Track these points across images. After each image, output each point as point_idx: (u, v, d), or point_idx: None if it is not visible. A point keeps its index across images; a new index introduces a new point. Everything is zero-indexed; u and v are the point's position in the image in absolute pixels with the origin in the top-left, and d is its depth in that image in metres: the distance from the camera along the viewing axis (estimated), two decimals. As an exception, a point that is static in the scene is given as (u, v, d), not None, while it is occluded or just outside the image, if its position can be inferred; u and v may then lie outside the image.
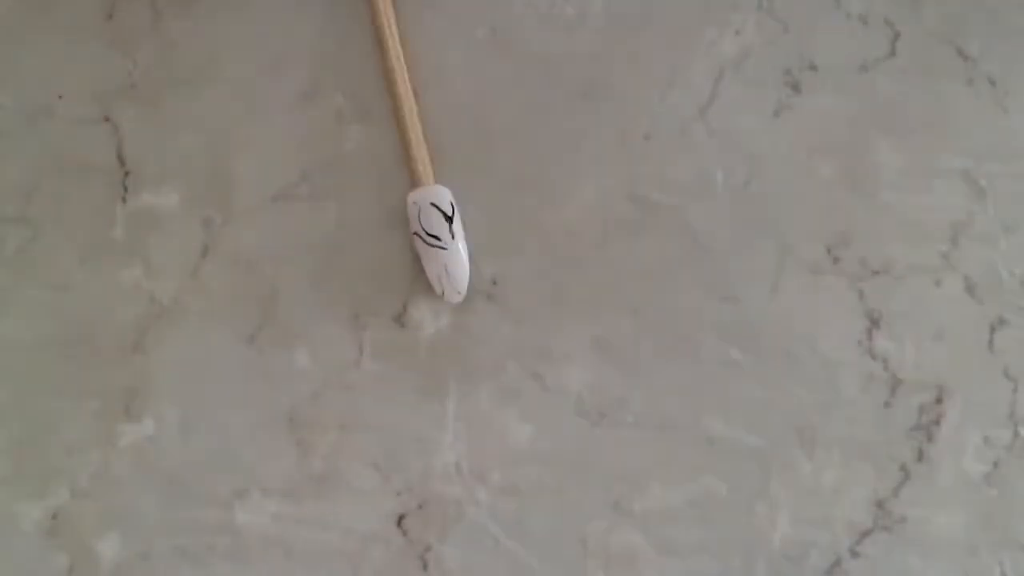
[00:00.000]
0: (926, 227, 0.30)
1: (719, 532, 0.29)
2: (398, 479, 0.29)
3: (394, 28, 0.26)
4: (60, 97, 0.30)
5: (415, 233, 0.29)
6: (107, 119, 0.30)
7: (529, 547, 0.29)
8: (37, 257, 0.30)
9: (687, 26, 0.31)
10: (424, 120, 0.30)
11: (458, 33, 0.31)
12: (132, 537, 0.29)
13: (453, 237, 0.29)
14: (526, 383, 0.30)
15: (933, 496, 0.29)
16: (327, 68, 0.31)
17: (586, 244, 0.30)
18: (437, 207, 0.29)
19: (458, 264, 0.29)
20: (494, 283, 0.30)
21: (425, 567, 0.29)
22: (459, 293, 0.29)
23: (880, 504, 0.29)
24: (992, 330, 0.30)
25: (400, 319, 0.30)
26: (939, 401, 0.30)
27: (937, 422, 0.30)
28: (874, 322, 0.30)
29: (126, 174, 0.30)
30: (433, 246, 0.29)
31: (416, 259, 0.30)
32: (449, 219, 0.29)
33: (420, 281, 0.30)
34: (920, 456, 0.29)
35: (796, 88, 0.31)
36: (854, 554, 0.29)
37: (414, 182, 0.30)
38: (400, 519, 0.29)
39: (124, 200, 0.30)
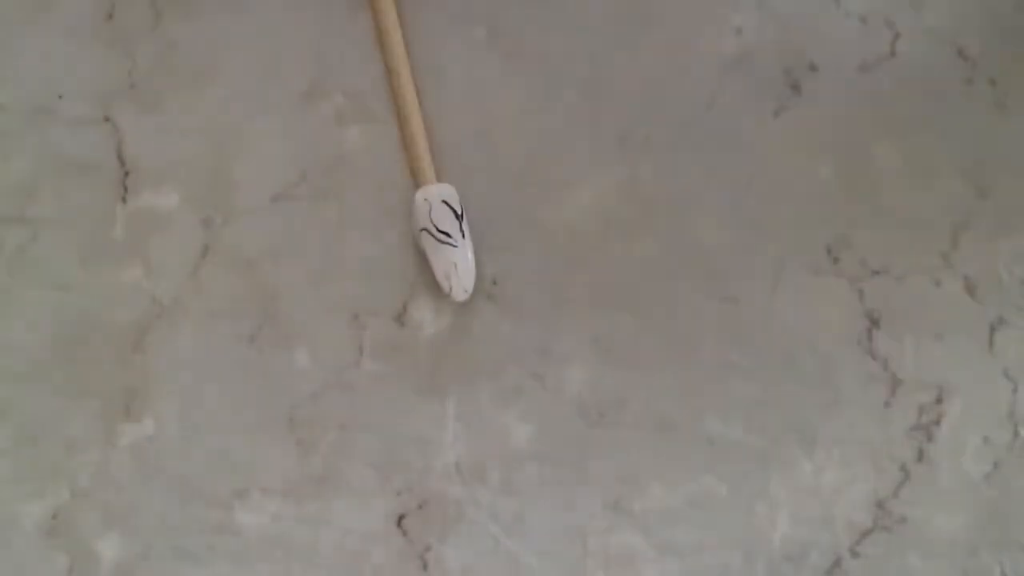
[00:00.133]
0: (926, 227, 0.30)
1: (719, 532, 0.29)
2: (398, 479, 0.29)
3: (394, 28, 0.26)
4: (60, 97, 0.30)
5: (424, 229, 0.29)
6: (107, 119, 0.30)
7: (529, 547, 0.29)
8: (37, 257, 0.30)
9: (687, 26, 0.31)
10: (424, 119, 0.30)
11: (458, 33, 0.31)
12: (132, 537, 0.29)
13: (463, 235, 0.29)
14: (526, 383, 0.30)
15: (933, 496, 0.29)
16: (327, 68, 0.31)
17: (586, 244, 0.30)
18: (448, 204, 0.29)
19: (466, 262, 0.29)
20: (494, 283, 0.30)
21: (425, 567, 0.29)
22: (466, 291, 0.29)
23: (880, 504, 0.29)
24: (992, 330, 0.30)
25: (400, 319, 0.30)
26: (939, 401, 0.30)
27: (937, 422, 0.30)
28: (874, 322, 0.30)
29: (126, 174, 0.30)
30: (444, 243, 0.29)
31: (416, 259, 0.30)
32: (459, 216, 0.29)
33: (420, 281, 0.30)
34: (920, 456, 0.29)
35: (796, 88, 0.31)
36: (854, 554, 0.29)
37: (418, 181, 0.30)
38: (400, 519, 0.29)
39: (124, 200, 0.30)
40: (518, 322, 0.30)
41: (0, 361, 0.29)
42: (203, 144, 0.30)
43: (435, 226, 0.29)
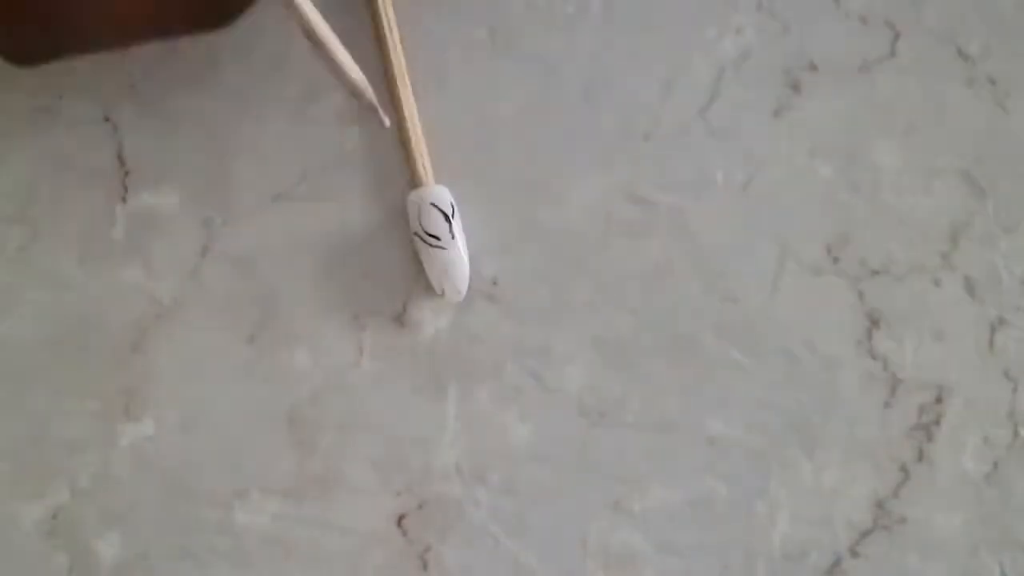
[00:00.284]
0: (926, 227, 0.30)
1: (719, 532, 0.29)
2: (398, 479, 0.29)
3: (394, 28, 0.26)
4: (60, 97, 0.30)
5: (415, 233, 0.29)
6: (107, 119, 0.30)
7: (529, 547, 0.29)
8: (37, 257, 0.30)
9: (687, 26, 0.31)
10: (424, 120, 0.30)
11: (458, 33, 0.31)
12: (132, 537, 0.29)
13: (453, 237, 0.29)
14: (526, 383, 0.30)
15: (933, 496, 0.29)
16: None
17: (586, 244, 0.30)
18: (437, 207, 0.29)
19: (458, 264, 0.29)
20: (494, 283, 0.30)
21: (425, 567, 0.29)
22: (459, 293, 0.29)
23: (880, 504, 0.29)
24: (992, 330, 0.30)
25: (400, 319, 0.30)
26: (939, 401, 0.30)
27: (937, 422, 0.30)
28: (874, 322, 0.30)
29: (126, 174, 0.30)
30: (433, 246, 0.29)
31: (416, 259, 0.30)
32: (449, 219, 0.29)
33: (420, 281, 0.30)
34: (920, 456, 0.29)
35: (796, 88, 0.31)
36: (854, 554, 0.29)
37: (414, 182, 0.29)
38: (400, 519, 0.29)
39: (124, 200, 0.30)
40: (518, 322, 0.30)
41: (0, 361, 0.29)
42: (203, 144, 0.30)
43: (424, 230, 0.29)
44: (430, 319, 0.30)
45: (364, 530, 0.29)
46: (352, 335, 0.30)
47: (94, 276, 0.30)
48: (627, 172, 0.30)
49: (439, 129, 0.29)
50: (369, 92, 0.27)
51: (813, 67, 0.31)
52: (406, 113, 0.30)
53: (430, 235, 0.29)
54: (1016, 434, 0.29)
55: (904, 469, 0.29)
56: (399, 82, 0.30)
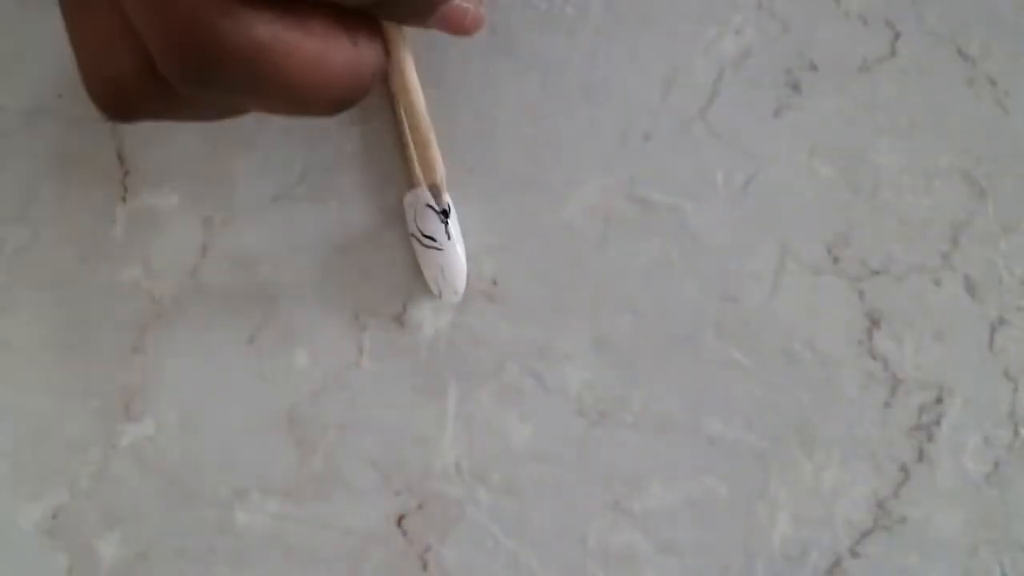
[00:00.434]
0: (926, 227, 0.30)
1: (719, 532, 0.29)
2: (398, 479, 0.29)
3: (395, 33, 0.26)
4: (60, 97, 0.30)
5: (412, 234, 0.29)
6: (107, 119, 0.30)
7: (529, 547, 0.29)
8: (37, 257, 0.30)
9: (687, 26, 0.31)
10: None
11: (458, 33, 0.31)
12: (132, 537, 0.29)
13: (450, 238, 0.29)
14: (526, 383, 0.30)
15: (933, 496, 0.29)
16: (327, 68, 0.30)
17: (586, 244, 0.30)
18: (432, 208, 0.29)
19: (454, 265, 0.29)
20: (494, 283, 0.30)
21: (425, 567, 0.29)
22: (456, 294, 0.29)
23: (880, 504, 0.29)
24: (992, 330, 0.30)
25: (400, 319, 0.30)
26: (939, 401, 0.30)
27: (937, 422, 0.30)
28: (874, 322, 0.30)
29: (126, 174, 0.30)
30: (429, 247, 0.29)
31: (416, 259, 0.30)
32: (445, 220, 0.29)
33: (420, 281, 0.30)
34: (920, 456, 0.29)
35: (796, 88, 0.31)
36: (854, 554, 0.29)
37: (412, 183, 0.29)
38: (400, 519, 0.29)
39: (124, 200, 0.30)
40: (518, 322, 0.30)
41: (0, 361, 0.29)
42: (203, 144, 0.30)
43: (419, 231, 0.29)
44: (430, 319, 0.30)
45: (364, 530, 0.29)
46: (352, 335, 0.30)
47: (94, 276, 0.30)
48: (627, 172, 0.30)
49: (438, 129, 0.29)
50: (444, 194, 0.28)
51: (813, 67, 0.31)
52: (400, 115, 0.30)
53: (426, 236, 0.29)
54: (1016, 434, 0.29)
55: (904, 469, 0.29)
56: (398, 82, 0.30)
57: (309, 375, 0.29)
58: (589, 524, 0.29)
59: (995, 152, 0.31)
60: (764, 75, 0.31)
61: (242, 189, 0.30)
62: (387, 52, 0.25)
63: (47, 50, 0.31)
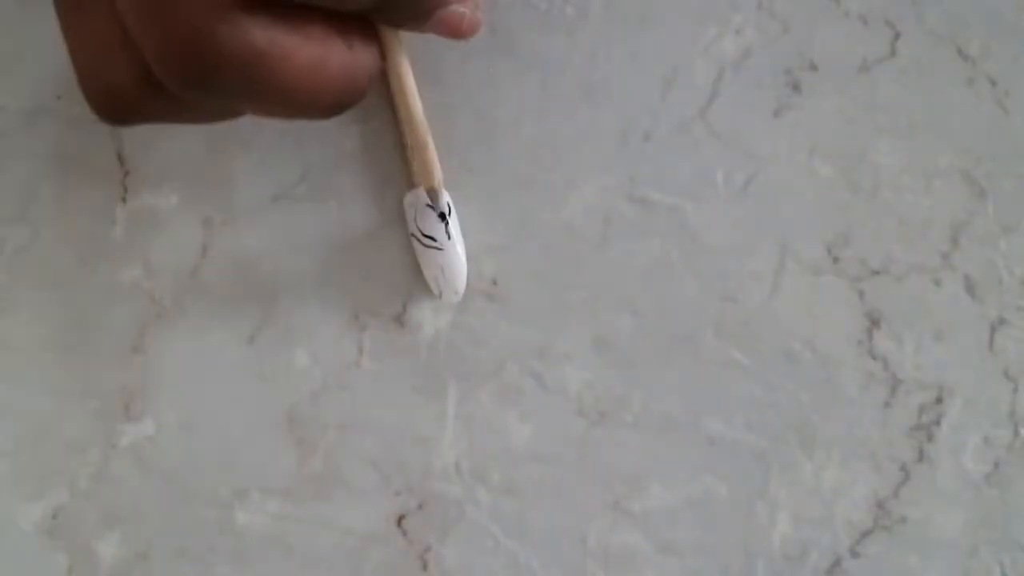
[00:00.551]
0: (926, 227, 0.30)
1: (719, 532, 0.29)
2: (398, 479, 0.29)
3: (391, 37, 0.26)
4: (59, 97, 0.30)
5: (412, 234, 0.29)
6: (107, 119, 0.30)
7: (529, 547, 0.29)
8: (37, 257, 0.30)
9: (687, 26, 0.31)
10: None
11: (458, 33, 0.31)
12: (132, 537, 0.29)
13: (450, 238, 0.29)
14: (526, 383, 0.30)
15: (933, 496, 0.29)
16: (327, 68, 0.30)
17: (586, 244, 0.30)
18: (432, 207, 0.29)
19: (455, 265, 0.29)
20: (494, 283, 0.30)
21: (425, 567, 0.29)
22: (456, 294, 0.29)
23: (880, 504, 0.29)
24: (992, 330, 0.30)
25: (400, 319, 0.30)
26: (939, 401, 0.30)
27: (937, 422, 0.30)
28: (874, 322, 0.30)
29: (126, 174, 0.30)
30: (429, 247, 0.29)
31: (416, 259, 0.30)
32: (445, 220, 0.29)
33: (420, 281, 0.30)
34: (920, 456, 0.29)
35: (796, 88, 0.31)
36: (854, 554, 0.29)
37: (412, 183, 0.29)
38: (400, 519, 0.29)
39: (124, 200, 0.30)
40: (518, 322, 0.30)
41: (0, 361, 0.30)
42: (203, 144, 0.30)
43: (420, 230, 0.29)
44: (430, 319, 0.30)
45: (364, 530, 0.29)
46: (352, 335, 0.30)
47: (94, 276, 0.30)
48: (627, 172, 0.30)
49: (438, 128, 0.29)
50: (441, 197, 0.28)
51: (813, 67, 0.31)
52: (399, 115, 0.30)
53: (426, 236, 0.29)
54: (1016, 434, 0.29)
55: (904, 469, 0.29)
56: (398, 82, 0.30)
57: (309, 375, 0.29)
58: (589, 524, 0.29)
59: (995, 152, 0.31)
60: (764, 75, 0.31)
61: (242, 189, 0.30)
62: (383, 56, 0.25)
63: (47, 50, 0.31)
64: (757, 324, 0.30)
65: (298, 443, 0.29)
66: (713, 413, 0.29)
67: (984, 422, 0.30)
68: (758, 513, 0.29)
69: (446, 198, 0.29)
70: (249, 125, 0.31)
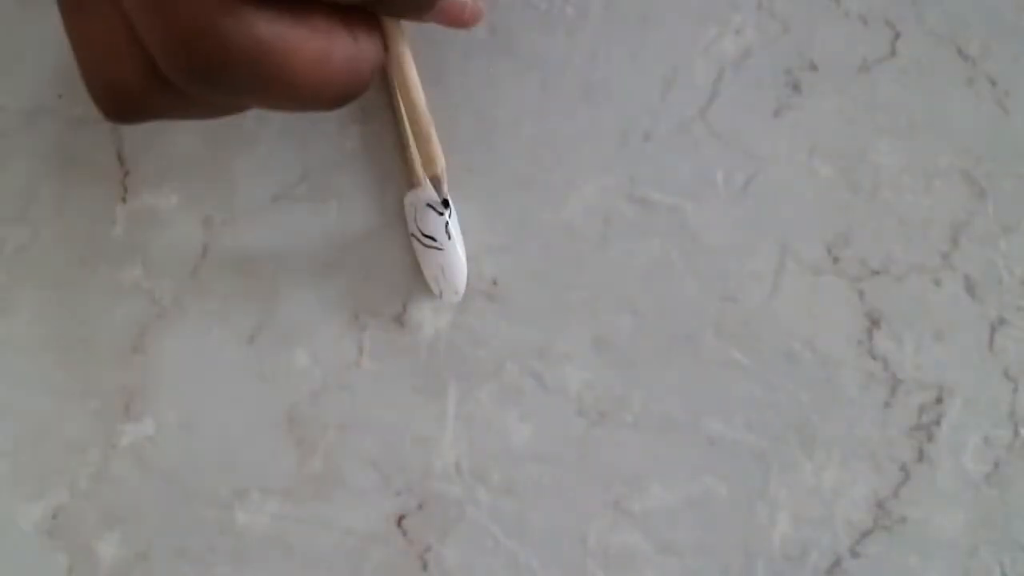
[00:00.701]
0: (926, 227, 0.30)
1: (719, 532, 0.29)
2: (398, 479, 0.29)
3: (394, 28, 0.26)
4: (60, 97, 0.30)
5: (412, 234, 0.29)
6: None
7: (529, 547, 0.29)
8: (37, 257, 0.30)
9: (687, 26, 0.31)
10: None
11: (458, 33, 0.31)
12: (132, 537, 0.29)
13: (450, 238, 0.29)
14: (526, 383, 0.30)
15: (933, 496, 0.29)
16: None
17: (586, 244, 0.30)
18: (432, 207, 0.29)
19: (455, 265, 0.29)
20: (494, 283, 0.30)
21: (425, 567, 0.29)
22: (456, 293, 0.29)
23: (880, 504, 0.29)
24: (992, 330, 0.30)
25: (400, 319, 0.30)
26: (939, 401, 0.30)
27: (937, 422, 0.30)
28: (874, 322, 0.30)
29: (126, 174, 0.30)
30: (429, 247, 0.29)
31: (416, 259, 0.30)
32: (446, 211, 0.29)
33: (420, 281, 0.30)
34: (920, 456, 0.29)
35: (796, 88, 0.31)
36: (854, 554, 0.29)
37: (412, 183, 0.29)
38: (400, 519, 0.29)
39: (124, 200, 0.30)
40: (518, 322, 0.30)
41: (0, 361, 0.30)
42: (203, 144, 0.30)
43: (420, 230, 0.29)
44: (430, 319, 0.30)
45: (364, 530, 0.29)
46: (352, 335, 0.30)
47: (94, 276, 0.30)
48: (627, 172, 0.30)
49: (439, 129, 0.29)
50: (444, 185, 0.28)
51: (813, 67, 0.31)
52: (399, 115, 0.30)
53: (426, 236, 0.29)
54: (1016, 434, 0.29)
55: (904, 469, 0.29)
56: (398, 82, 0.30)
57: (309, 375, 0.29)
58: (589, 524, 0.29)
59: (995, 152, 0.31)
60: (764, 75, 0.31)
61: (242, 189, 0.30)
62: (386, 47, 0.25)
63: (47, 50, 0.31)
64: (757, 324, 0.30)
65: (298, 443, 0.29)
66: (713, 413, 0.29)
67: (984, 422, 0.30)
68: (758, 513, 0.29)
69: (446, 189, 0.29)
70: (250, 125, 0.31)
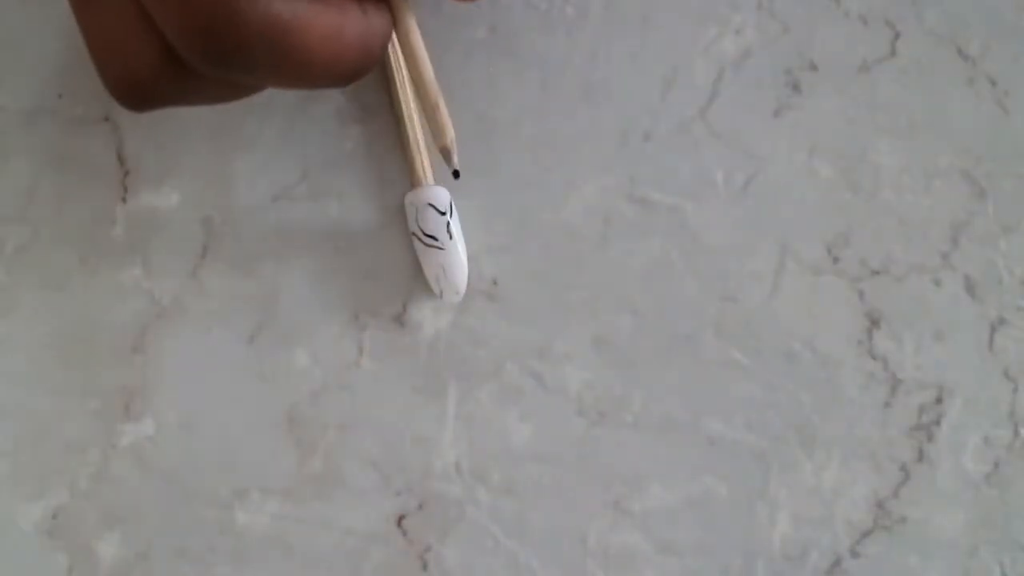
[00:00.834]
0: (926, 227, 0.30)
1: (719, 532, 0.29)
2: (398, 479, 0.29)
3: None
4: (60, 97, 0.30)
5: (413, 233, 0.29)
6: (107, 119, 0.30)
7: (529, 547, 0.29)
8: (37, 257, 0.30)
9: (687, 26, 0.31)
10: (424, 120, 0.30)
11: (458, 33, 0.31)
12: (132, 537, 0.29)
13: (451, 238, 0.29)
14: (526, 383, 0.30)
15: (933, 496, 0.29)
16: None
17: (586, 244, 0.30)
18: (434, 207, 0.29)
19: (456, 264, 0.29)
20: (494, 283, 0.30)
21: (425, 567, 0.29)
22: (457, 293, 0.29)
23: (880, 504, 0.29)
24: (992, 330, 0.30)
25: (400, 319, 0.30)
26: (939, 401, 0.30)
27: (937, 422, 0.30)
28: (874, 322, 0.30)
29: (126, 174, 0.30)
30: (430, 247, 0.29)
31: (416, 259, 0.30)
32: (447, 220, 0.29)
33: (420, 281, 0.30)
34: (920, 456, 0.29)
35: (796, 88, 0.31)
36: (854, 554, 0.29)
37: (413, 182, 0.29)
38: (400, 519, 0.29)
39: (124, 200, 0.30)
40: (518, 322, 0.30)
41: (0, 361, 0.30)
42: (203, 144, 0.30)
43: (421, 230, 0.29)
44: (430, 319, 0.30)
45: (364, 530, 0.29)
46: (352, 335, 0.30)
47: (94, 276, 0.30)
48: (627, 172, 0.30)
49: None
50: (455, 156, 0.27)
51: (813, 67, 0.31)
52: (400, 114, 0.30)
53: (427, 235, 0.29)
54: (1016, 434, 0.29)
55: (904, 469, 0.29)
56: (399, 82, 0.30)
57: (309, 375, 0.29)
58: (589, 524, 0.29)
59: (995, 152, 0.31)
60: (764, 75, 0.31)
61: (242, 189, 0.30)
62: (394, 19, 0.25)
63: (47, 50, 0.31)
64: (757, 324, 0.30)
65: (298, 443, 0.29)
66: (713, 413, 0.29)
67: (984, 422, 0.30)
68: (758, 513, 0.29)
69: (448, 197, 0.29)
70: (250, 125, 0.31)
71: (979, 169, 0.30)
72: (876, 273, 0.30)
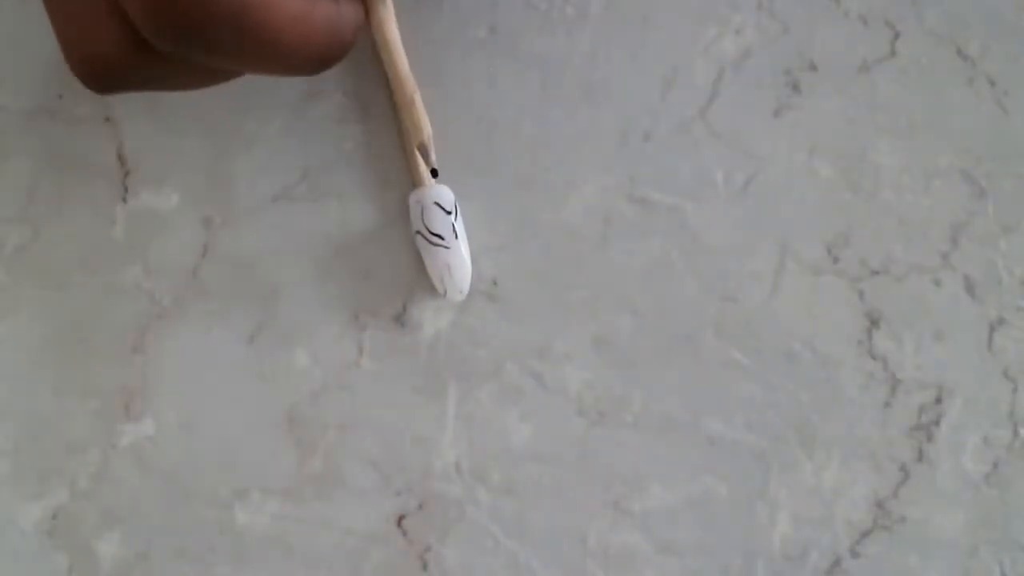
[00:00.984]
0: (926, 227, 0.30)
1: (719, 532, 0.29)
2: (398, 479, 0.29)
3: (394, 28, 0.26)
4: (60, 97, 0.30)
5: (417, 232, 0.29)
6: (107, 119, 0.30)
7: (529, 547, 0.29)
8: (37, 257, 0.30)
9: (687, 26, 0.31)
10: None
11: (458, 33, 0.31)
12: (132, 537, 0.29)
13: (456, 236, 0.29)
14: (526, 383, 0.30)
15: (933, 496, 0.29)
16: (327, 68, 0.30)
17: (586, 244, 0.30)
18: (440, 206, 0.29)
19: (461, 263, 0.29)
20: (494, 283, 0.30)
21: (425, 567, 0.29)
22: (461, 292, 0.29)
23: (880, 504, 0.29)
24: (992, 330, 0.30)
25: (400, 319, 0.30)
26: (939, 401, 0.30)
27: (937, 422, 0.30)
28: (874, 322, 0.30)
29: (126, 174, 0.30)
30: (436, 245, 0.29)
31: (416, 259, 0.30)
32: (452, 218, 0.29)
33: (420, 281, 0.30)
34: (920, 456, 0.29)
35: (796, 88, 0.31)
36: (854, 554, 0.29)
37: (415, 182, 0.29)
38: (400, 519, 0.29)
39: (124, 200, 0.30)
40: (518, 322, 0.30)
41: (0, 361, 0.29)
42: (203, 144, 0.30)
43: (427, 228, 0.29)
44: (430, 319, 0.30)
45: (364, 530, 0.29)
46: (352, 335, 0.30)
47: (94, 276, 0.30)
48: (627, 172, 0.30)
49: (438, 129, 0.29)
50: (432, 153, 0.27)
51: (813, 67, 0.31)
52: (403, 113, 0.29)
53: (434, 234, 0.29)
54: (1016, 434, 0.29)
55: (904, 469, 0.29)
56: (397, 83, 0.30)
57: (309, 375, 0.29)
58: (589, 524, 0.29)
59: (995, 152, 0.31)
60: (764, 75, 0.31)
61: (242, 189, 0.30)
62: (368, 11, 0.24)
63: (47, 50, 0.31)
64: (757, 324, 0.30)
65: (298, 443, 0.29)
66: (713, 413, 0.29)
67: (984, 422, 0.30)
68: (758, 513, 0.29)
69: (452, 197, 0.29)
70: (250, 125, 0.31)
71: (979, 169, 0.30)
72: (876, 273, 0.30)
